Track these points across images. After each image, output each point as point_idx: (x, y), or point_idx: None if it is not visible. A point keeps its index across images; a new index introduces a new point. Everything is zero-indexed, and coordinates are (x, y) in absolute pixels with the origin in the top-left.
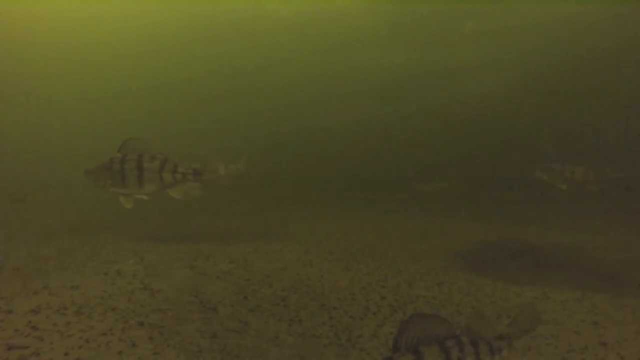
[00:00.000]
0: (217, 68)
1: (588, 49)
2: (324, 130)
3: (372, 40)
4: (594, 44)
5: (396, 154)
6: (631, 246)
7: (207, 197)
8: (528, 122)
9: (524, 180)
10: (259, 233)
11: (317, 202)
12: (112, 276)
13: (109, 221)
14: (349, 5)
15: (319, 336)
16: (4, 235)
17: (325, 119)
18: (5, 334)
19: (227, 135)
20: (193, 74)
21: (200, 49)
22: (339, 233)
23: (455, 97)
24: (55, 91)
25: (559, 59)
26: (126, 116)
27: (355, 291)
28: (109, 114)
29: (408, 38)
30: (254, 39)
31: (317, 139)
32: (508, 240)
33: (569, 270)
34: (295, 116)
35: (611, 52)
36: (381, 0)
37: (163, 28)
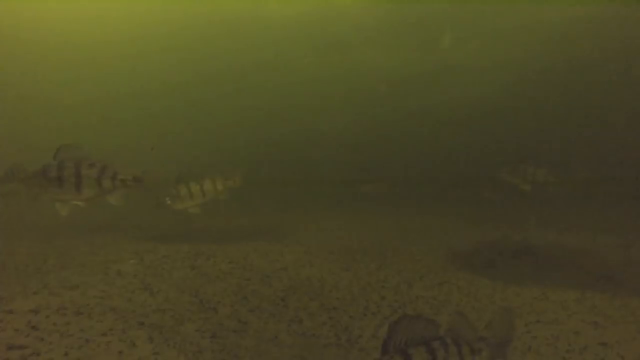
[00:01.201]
0: (217, 69)
1: (587, 51)
2: (325, 130)
3: (373, 41)
4: (594, 45)
5: (396, 154)
6: (631, 246)
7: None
8: (523, 123)
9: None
10: (259, 233)
11: (317, 202)
12: (112, 276)
13: (109, 221)
14: (351, 6)
15: (318, 336)
16: (3, 235)
17: (326, 120)
18: (5, 334)
19: (226, 136)
20: (192, 74)
21: (200, 50)
22: (339, 233)
23: (455, 98)
24: (56, 91)
25: (557, 61)
26: (126, 117)
27: (355, 291)
28: (109, 115)
29: (408, 39)
30: (255, 39)
31: (318, 140)
32: (507, 240)
33: (569, 270)
34: (296, 117)
35: (610, 53)
36: (382, 1)
37: (162, 29)
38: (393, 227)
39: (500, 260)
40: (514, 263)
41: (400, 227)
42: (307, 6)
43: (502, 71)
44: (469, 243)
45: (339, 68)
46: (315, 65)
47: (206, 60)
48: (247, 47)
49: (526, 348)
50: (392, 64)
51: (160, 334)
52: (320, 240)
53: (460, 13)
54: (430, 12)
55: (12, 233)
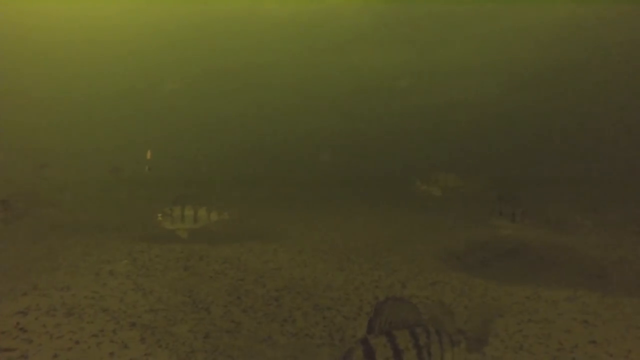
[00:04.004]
0: (213, 68)
1: (585, 51)
2: (319, 129)
3: (367, 41)
4: (591, 45)
5: (390, 154)
6: (622, 245)
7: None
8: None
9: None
10: (252, 233)
11: (312, 202)
12: (104, 277)
13: (102, 221)
14: (345, 6)
15: (312, 336)
16: None
17: (320, 119)
18: None
19: (222, 135)
20: (188, 73)
21: (196, 49)
22: (333, 233)
23: (448, 98)
24: (52, 91)
25: (553, 60)
26: (122, 116)
27: (348, 291)
28: (104, 114)
29: (403, 39)
30: (250, 39)
31: (312, 139)
32: (500, 240)
33: (561, 270)
34: (290, 116)
35: (611, 52)
36: (376, 1)
37: (158, 28)
38: (387, 227)
39: (493, 259)
40: (507, 262)
41: (394, 227)
42: (301, 6)
43: (501, 72)
44: (463, 243)
45: (332, 67)
46: (309, 64)
47: (200, 59)
48: (242, 47)
49: (518, 347)
50: (383, 64)
51: (152, 334)
52: (314, 240)
53: (454, 14)
54: (425, 13)
55: (1, 234)
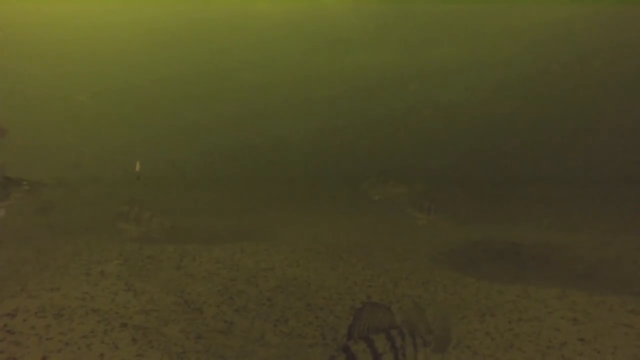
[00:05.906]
0: (205, 68)
1: (578, 52)
2: (312, 130)
3: (361, 41)
4: (585, 45)
5: (384, 153)
6: (610, 244)
7: (194, 197)
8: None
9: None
10: (245, 233)
11: (305, 202)
12: (95, 277)
13: (93, 221)
14: (338, 5)
15: (305, 336)
16: None
17: (313, 118)
18: None
19: (215, 135)
20: (181, 73)
21: (188, 48)
22: (326, 233)
23: (441, 98)
24: (46, 90)
25: (544, 61)
26: (116, 115)
27: (341, 291)
28: (97, 113)
29: (397, 38)
30: (243, 38)
31: (305, 139)
32: (492, 239)
33: (550, 268)
34: (283, 116)
35: (609, 52)
36: (370, 1)
37: (150, 27)
38: (379, 227)
39: (485, 259)
40: (498, 262)
41: (386, 227)
42: (295, 5)
43: (496, 73)
44: (454, 242)
45: (325, 67)
46: (303, 64)
47: (193, 59)
48: (235, 46)
49: (509, 345)
50: (377, 64)
51: (144, 335)
52: (307, 240)
53: (448, 13)
54: (419, 13)
55: None
